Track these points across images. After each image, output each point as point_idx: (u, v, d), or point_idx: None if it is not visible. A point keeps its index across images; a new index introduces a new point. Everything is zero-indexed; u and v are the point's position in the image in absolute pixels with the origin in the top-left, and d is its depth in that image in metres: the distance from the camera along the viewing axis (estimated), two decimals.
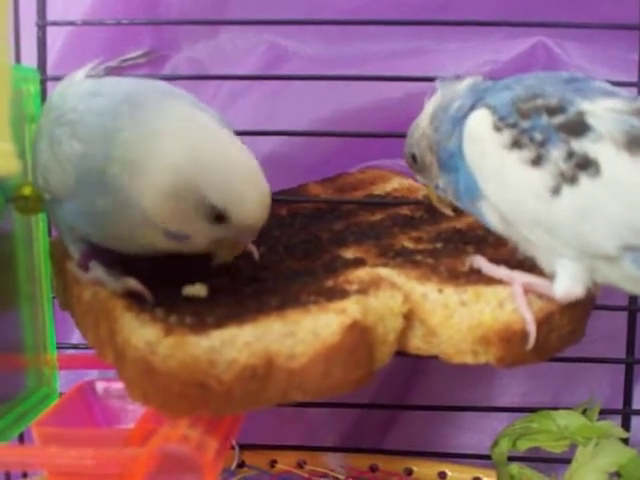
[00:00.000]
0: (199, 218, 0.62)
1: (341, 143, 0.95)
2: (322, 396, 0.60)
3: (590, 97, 0.63)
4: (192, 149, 0.62)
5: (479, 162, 0.65)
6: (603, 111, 0.62)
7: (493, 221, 0.67)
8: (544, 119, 0.63)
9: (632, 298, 0.88)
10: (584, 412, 0.81)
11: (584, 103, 0.63)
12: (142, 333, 0.58)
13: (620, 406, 0.90)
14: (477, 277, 0.66)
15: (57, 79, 0.88)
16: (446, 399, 0.98)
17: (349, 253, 0.73)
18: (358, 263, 0.70)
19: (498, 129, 0.64)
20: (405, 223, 0.80)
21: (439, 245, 0.74)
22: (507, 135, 0.63)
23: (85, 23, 0.91)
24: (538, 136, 0.62)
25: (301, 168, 0.97)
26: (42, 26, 0.89)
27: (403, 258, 0.71)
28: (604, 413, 0.81)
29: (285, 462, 0.92)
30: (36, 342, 0.82)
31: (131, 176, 0.63)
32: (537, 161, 0.62)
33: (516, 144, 0.63)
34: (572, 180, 0.60)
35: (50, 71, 0.91)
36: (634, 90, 0.86)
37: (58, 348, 0.85)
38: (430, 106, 0.72)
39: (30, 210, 0.75)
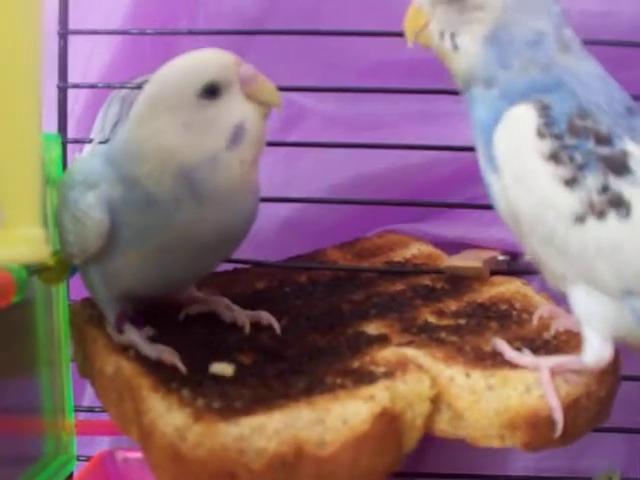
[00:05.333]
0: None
1: (360, 207, 0.95)
2: None
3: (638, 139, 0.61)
4: None
5: (509, 157, 0.63)
6: None
7: (499, 205, 0.65)
8: (590, 144, 0.60)
9: None
10: None
11: (631, 144, 0.61)
12: (170, 418, 0.58)
13: (637, 471, 0.90)
14: (503, 359, 0.65)
15: (78, 142, 0.89)
16: (460, 461, 0.97)
17: (372, 328, 0.73)
18: (382, 340, 0.70)
19: (541, 135, 0.61)
20: (427, 295, 0.80)
21: (462, 321, 0.73)
22: (548, 145, 0.61)
23: (107, 86, 0.90)
24: (579, 157, 0.60)
25: (319, 232, 0.96)
26: (63, 88, 0.89)
27: (427, 335, 0.70)
28: None
29: None
30: (55, 407, 0.82)
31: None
32: (571, 183, 0.60)
33: (554, 158, 0.60)
34: (600, 215, 0.59)
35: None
36: None
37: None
38: None
39: (54, 280, 0.75)
